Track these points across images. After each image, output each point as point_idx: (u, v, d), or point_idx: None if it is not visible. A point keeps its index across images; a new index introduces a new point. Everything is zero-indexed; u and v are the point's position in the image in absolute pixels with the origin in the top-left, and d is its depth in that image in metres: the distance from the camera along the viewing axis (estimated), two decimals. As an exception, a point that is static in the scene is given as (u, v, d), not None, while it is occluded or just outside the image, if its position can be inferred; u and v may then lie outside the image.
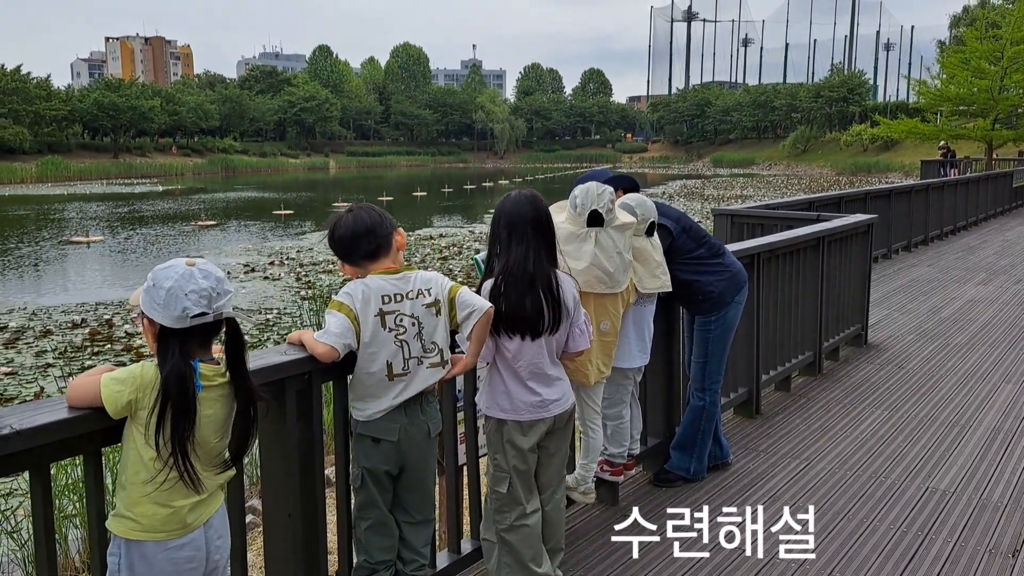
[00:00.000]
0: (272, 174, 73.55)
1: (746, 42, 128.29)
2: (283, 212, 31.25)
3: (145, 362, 2.03)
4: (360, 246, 2.59)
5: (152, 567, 2.02)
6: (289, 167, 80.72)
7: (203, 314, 1.99)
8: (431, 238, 22.42)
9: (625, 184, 3.94)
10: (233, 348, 2.09)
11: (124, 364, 7.01)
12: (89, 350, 10.48)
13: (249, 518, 3.67)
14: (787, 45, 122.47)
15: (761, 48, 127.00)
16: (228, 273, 15.91)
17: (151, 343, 2.04)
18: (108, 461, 3.03)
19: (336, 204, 35.38)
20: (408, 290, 2.60)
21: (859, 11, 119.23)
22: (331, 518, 2.82)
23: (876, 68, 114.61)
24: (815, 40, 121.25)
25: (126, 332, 11.41)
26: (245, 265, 17.89)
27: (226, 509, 2.23)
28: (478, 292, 2.94)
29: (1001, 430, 5.05)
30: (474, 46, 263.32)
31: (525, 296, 2.83)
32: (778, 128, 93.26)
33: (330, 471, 3.65)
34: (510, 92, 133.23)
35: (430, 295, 2.63)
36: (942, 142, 30.27)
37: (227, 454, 2.16)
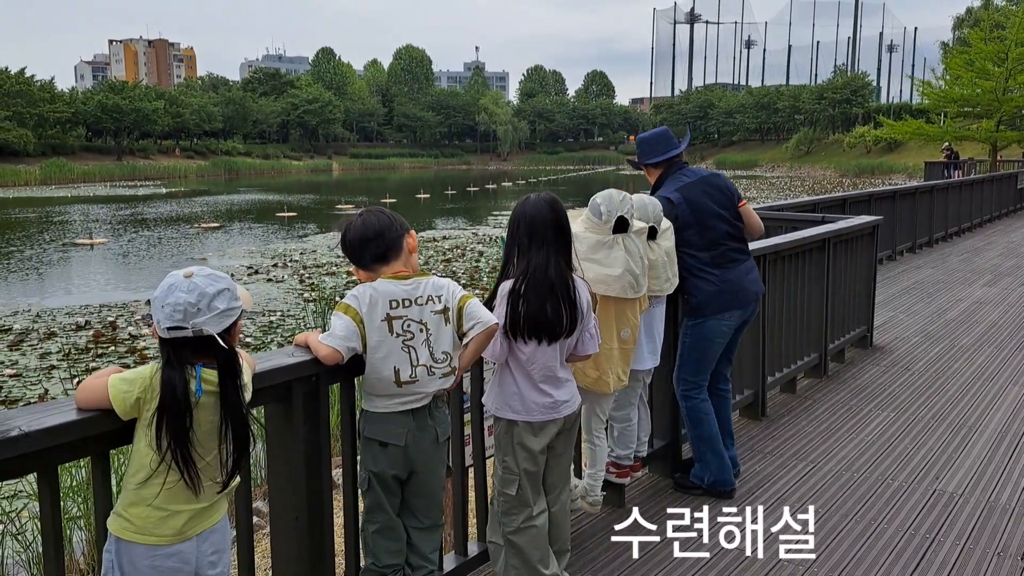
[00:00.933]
0: (275, 176, 73.64)
1: (749, 44, 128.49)
2: (286, 214, 31.28)
3: (152, 363, 2.03)
4: (369, 249, 2.58)
5: (137, 571, 2.01)
6: (292, 169, 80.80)
7: (179, 328, 1.95)
8: (434, 240, 22.40)
9: (678, 155, 4.01)
10: (220, 364, 2.02)
11: (128, 366, 7.02)
12: (93, 352, 10.49)
13: (255, 520, 3.65)
14: (790, 47, 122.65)
15: (764, 50, 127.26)
16: (232, 275, 15.83)
17: None
18: (114, 463, 3.02)
19: (339, 206, 35.40)
20: (418, 296, 2.58)
21: (862, 13, 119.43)
22: (338, 520, 2.81)
23: (879, 70, 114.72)
24: (818, 42, 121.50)
25: (130, 334, 11.42)
26: (249, 267, 17.90)
27: (228, 524, 2.19)
28: (496, 288, 2.93)
29: (1009, 432, 5.03)
30: (477, 48, 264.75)
31: (545, 301, 2.81)
32: (781, 130, 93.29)
33: (337, 473, 3.63)
34: (513, 94, 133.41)
35: (440, 302, 2.61)
36: (945, 143, 30.22)
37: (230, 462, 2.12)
